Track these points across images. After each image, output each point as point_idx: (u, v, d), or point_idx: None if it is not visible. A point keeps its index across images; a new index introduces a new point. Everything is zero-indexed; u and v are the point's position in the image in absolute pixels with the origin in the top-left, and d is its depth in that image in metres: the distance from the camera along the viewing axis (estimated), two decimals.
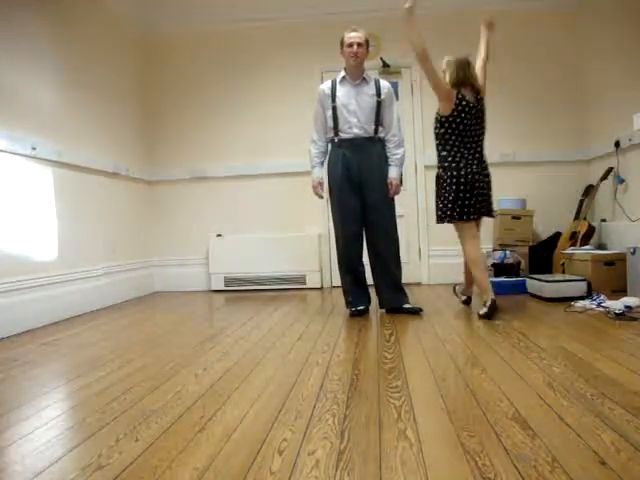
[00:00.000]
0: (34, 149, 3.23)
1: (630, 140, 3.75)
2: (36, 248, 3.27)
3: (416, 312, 3.08)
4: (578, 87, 4.54)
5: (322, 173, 3.23)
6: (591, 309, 2.98)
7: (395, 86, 4.31)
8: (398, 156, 3.12)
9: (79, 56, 3.84)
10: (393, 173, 3.10)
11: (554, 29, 4.56)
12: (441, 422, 1.40)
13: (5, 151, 3.02)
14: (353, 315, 3.13)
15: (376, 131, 3.09)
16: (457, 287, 3.52)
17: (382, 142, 3.13)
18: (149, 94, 4.94)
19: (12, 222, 3.08)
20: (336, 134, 3.12)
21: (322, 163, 3.25)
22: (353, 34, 3.05)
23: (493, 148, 4.60)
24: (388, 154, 3.13)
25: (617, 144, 3.90)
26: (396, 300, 3.14)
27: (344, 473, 1.14)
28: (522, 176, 4.56)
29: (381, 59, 4.69)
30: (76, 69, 3.79)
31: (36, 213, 3.30)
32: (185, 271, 4.93)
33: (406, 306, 3.11)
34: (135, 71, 4.79)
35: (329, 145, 3.21)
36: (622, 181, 3.89)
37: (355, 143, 3.08)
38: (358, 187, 3.08)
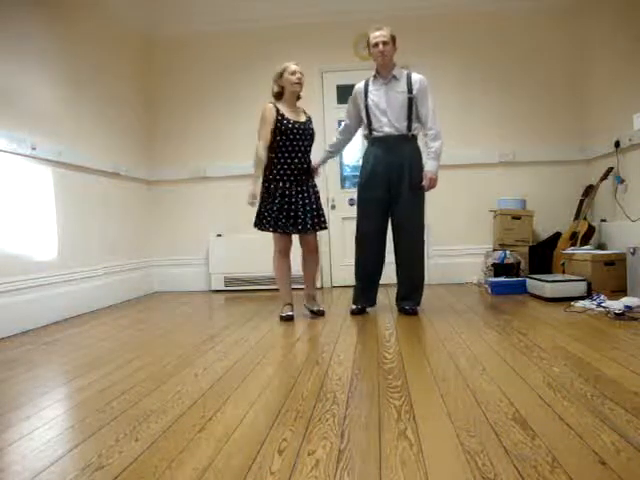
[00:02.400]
0: (34, 149, 3.23)
1: (630, 140, 3.75)
2: (36, 248, 3.27)
3: (410, 312, 3.06)
4: (578, 87, 4.54)
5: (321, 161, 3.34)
6: (591, 309, 2.98)
7: None
8: (434, 149, 3.03)
9: (79, 56, 3.84)
10: (429, 166, 3.04)
11: (554, 30, 4.56)
12: (441, 422, 1.40)
13: (5, 151, 3.02)
14: (353, 313, 3.14)
15: (409, 128, 3.04)
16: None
17: (416, 139, 3.11)
18: (149, 94, 4.94)
19: (12, 222, 3.08)
20: (370, 132, 3.11)
21: (330, 153, 3.39)
22: (377, 33, 3.02)
23: (493, 148, 4.63)
24: (426, 148, 3.10)
25: (617, 144, 3.89)
26: (406, 302, 3.12)
27: (344, 473, 1.13)
28: (522, 176, 4.56)
29: None
30: (76, 69, 3.79)
31: (36, 213, 3.30)
32: (185, 271, 4.93)
33: (406, 307, 3.10)
34: (135, 71, 4.78)
35: (367, 143, 3.23)
36: (622, 181, 3.89)
37: (386, 142, 3.06)
38: (386, 186, 3.05)
